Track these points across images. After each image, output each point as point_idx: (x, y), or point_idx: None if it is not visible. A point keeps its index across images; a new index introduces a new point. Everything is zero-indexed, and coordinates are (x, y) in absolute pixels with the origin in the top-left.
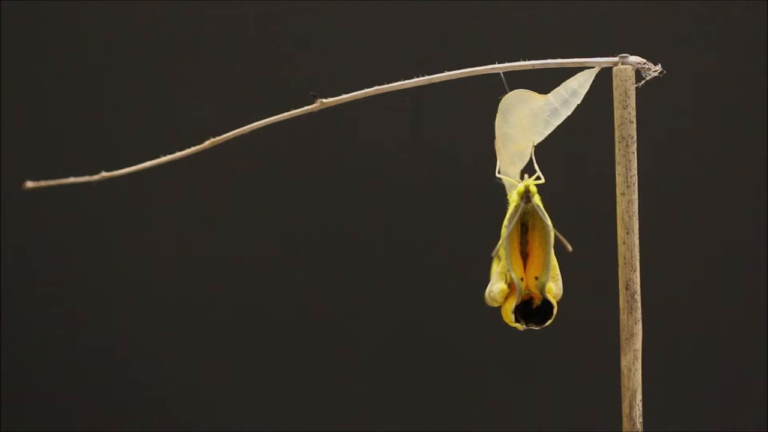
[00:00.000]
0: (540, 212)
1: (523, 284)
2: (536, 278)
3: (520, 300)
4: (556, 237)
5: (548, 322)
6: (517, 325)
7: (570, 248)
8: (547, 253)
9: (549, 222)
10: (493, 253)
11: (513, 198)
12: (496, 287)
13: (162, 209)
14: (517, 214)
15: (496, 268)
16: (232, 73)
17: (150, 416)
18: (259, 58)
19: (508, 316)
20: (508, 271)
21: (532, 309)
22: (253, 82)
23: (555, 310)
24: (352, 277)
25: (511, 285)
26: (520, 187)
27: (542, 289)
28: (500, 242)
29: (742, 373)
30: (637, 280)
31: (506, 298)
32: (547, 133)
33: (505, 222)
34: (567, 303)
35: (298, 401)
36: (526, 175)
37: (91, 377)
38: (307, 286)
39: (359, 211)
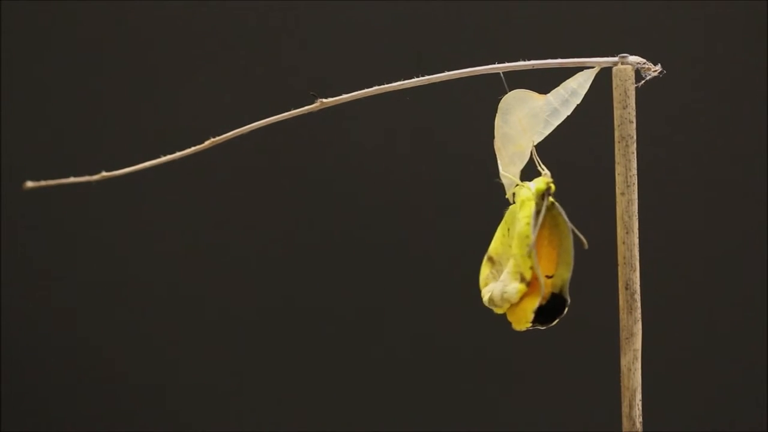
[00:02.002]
0: (558, 208)
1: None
2: (548, 276)
3: (543, 299)
4: (573, 234)
5: (555, 321)
6: (528, 326)
7: (586, 245)
8: (565, 251)
9: (567, 218)
10: (527, 253)
11: (528, 196)
12: (511, 287)
13: (162, 209)
14: (542, 213)
15: (488, 271)
16: (232, 73)
17: (150, 416)
18: (260, 58)
19: (526, 316)
20: (532, 268)
21: (537, 308)
22: (253, 82)
23: (566, 309)
24: (351, 278)
25: (531, 284)
26: (541, 185)
27: (562, 287)
28: (531, 243)
29: (742, 373)
30: (637, 280)
31: (521, 298)
32: (546, 133)
33: (529, 221)
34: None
35: (299, 402)
36: (545, 173)
37: (91, 377)
38: (307, 285)
39: (358, 211)
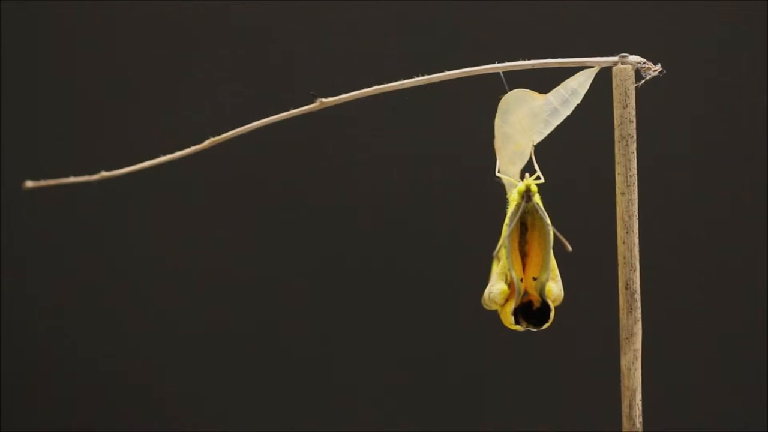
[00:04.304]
0: (540, 211)
1: (522, 285)
2: (534, 278)
3: (519, 302)
4: (555, 237)
5: (546, 325)
6: (517, 327)
7: (570, 248)
8: (546, 253)
9: (549, 221)
10: (495, 253)
11: (513, 197)
12: (496, 288)
13: (161, 209)
14: (518, 214)
15: (496, 269)
16: (232, 72)
17: (148, 419)
18: (260, 58)
19: (508, 318)
20: (509, 270)
21: (532, 311)
22: (253, 82)
23: (552, 314)
24: (350, 279)
25: (511, 286)
26: (521, 186)
27: (541, 291)
28: (501, 242)
29: (742, 373)
30: (637, 280)
31: (506, 299)
32: (546, 132)
33: (506, 221)
34: (567, 302)
35: (297, 407)
36: (527, 174)
37: (90, 378)
38: (304, 285)
39: (357, 211)
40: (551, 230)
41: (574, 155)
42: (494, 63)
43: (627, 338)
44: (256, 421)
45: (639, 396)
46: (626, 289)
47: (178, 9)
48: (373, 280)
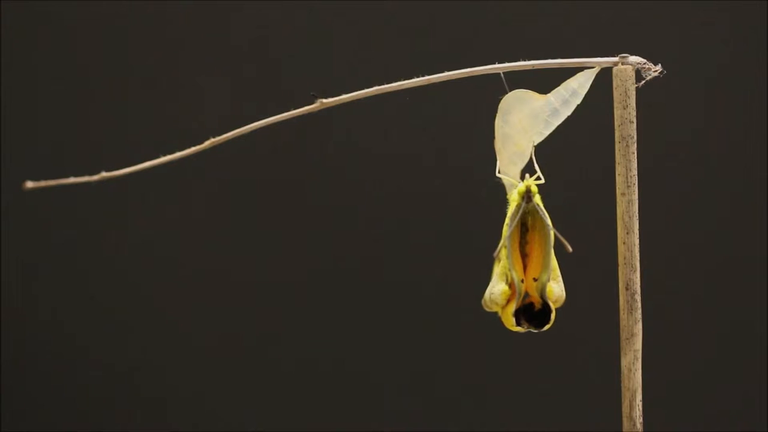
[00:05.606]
0: (540, 212)
1: (522, 286)
2: (535, 279)
3: (520, 303)
4: (555, 237)
5: (547, 327)
6: (518, 329)
7: (570, 249)
8: (547, 254)
9: (549, 222)
10: (495, 254)
11: (513, 198)
12: (497, 289)
13: (161, 209)
14: (518, 214)
15: (497, 270)
16: (232, 72)
17: (149, 419)
18: (260, 58)
19: (509, 319)
20: (509, 270)
21: (534, 312)
22: (253, 82)
23: (553, 315)
24: (350, 279)
25: (512, 286)
26: (521, 186)
27: (542, 291)
28: (501, 242)
29: (742, 373)
30: (637, 280)
31: (507, 301)
32: (547, 133)
33: (507, 221)
34: (567, 303)
35: (296, 407)
36: (527, 175)
37: (91, 378)
38: (304, 286)
39: (356, 211)
40: (552, 231)
41: (574, 155)
42: (494, 63)
43: (627, 339)
44: (257, 421)
45: (639, 396)
46: (626, 289)
47: (179, 8)
48: (373, 280)
